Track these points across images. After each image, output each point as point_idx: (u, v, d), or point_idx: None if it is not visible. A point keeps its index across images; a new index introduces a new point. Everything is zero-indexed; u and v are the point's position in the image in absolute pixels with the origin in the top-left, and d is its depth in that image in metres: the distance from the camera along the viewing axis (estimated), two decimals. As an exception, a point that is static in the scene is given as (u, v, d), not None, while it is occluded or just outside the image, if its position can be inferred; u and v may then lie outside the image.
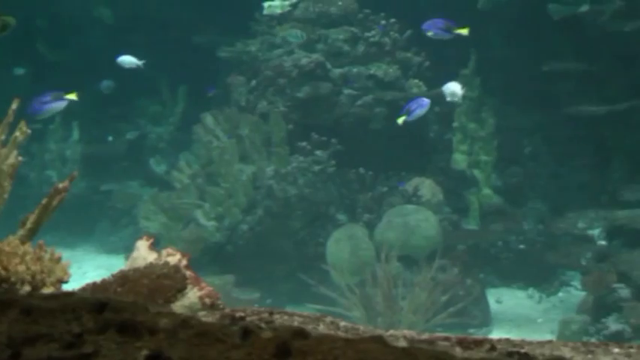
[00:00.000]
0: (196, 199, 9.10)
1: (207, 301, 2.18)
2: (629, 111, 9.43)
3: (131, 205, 11.02)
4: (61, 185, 2.53)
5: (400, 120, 8.14)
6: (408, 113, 8.08)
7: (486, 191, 9.54)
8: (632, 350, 2.07)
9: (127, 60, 9.41)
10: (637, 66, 9.26)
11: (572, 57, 9.97)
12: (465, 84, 9.48)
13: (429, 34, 8.27)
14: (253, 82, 9.93)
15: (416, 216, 8.49)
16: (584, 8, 9.68)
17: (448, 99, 8.10)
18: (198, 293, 2.20)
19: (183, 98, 12.19)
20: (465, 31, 8.04)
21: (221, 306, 2.16)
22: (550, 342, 2.02)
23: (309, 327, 1.92)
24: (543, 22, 9.84)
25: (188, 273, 2.31)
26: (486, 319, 8.28)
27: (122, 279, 2.32)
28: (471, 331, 7.90)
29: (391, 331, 2.03)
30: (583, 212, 9.50)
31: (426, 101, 8.04)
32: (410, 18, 9.61)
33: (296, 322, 1.99)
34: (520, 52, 10.04)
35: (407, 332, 2.03)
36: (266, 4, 9.35)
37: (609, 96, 9.54)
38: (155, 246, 2.54)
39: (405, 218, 8.45)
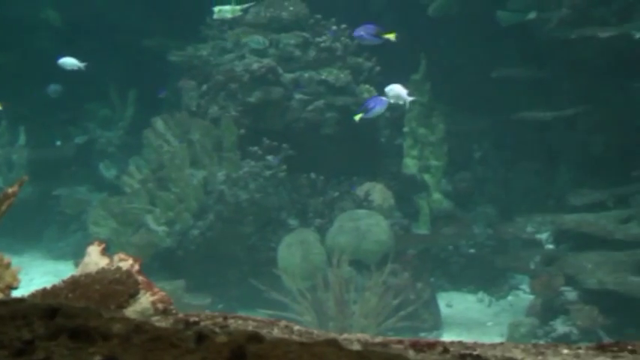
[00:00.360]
0: (147, 204, 9.02)
1: (160, 306, 2.17)
2: (575, 117, 9.58)
3: (80, 210, 10.89)
4: (10, 190, 2.49)
5: (357, 117, 8.17)
6: (366, 111, 8.11)
7: (436, 196, 9.61)
8: (580, 351, 2.10)
9: (69, 62, 9.31)
10: (583, 72, 9.41)
11: (520, 63, 10.11)
12: (415, 89, 9.55)
13: (359, 39, 8.36)
14: (204, 87, 9.89)
15: (367, 220, 8.52)
16: (532, 16, 9.82)
17: (392, 101, 8.10)
18: (151, 298, 2.19)
19: (133, 102, 12.08)
20: (392, 36, 8.09)
21: (174, 311, 2.15)
22: (502, 344, 2.04)
23: (264, 331, 1.92)
24: (492, 28, 9.97)
25: (140, 278, 2.30)
26: (437, 323, 8.34)
27: (73, 285, 2.29)
28: (422, 334, 7.95)
29: (345, 335, 2.03)
30: (531, 217, 9.63)
31: (385, 100, 8.07)
32: (361, 24, 9.65)
33: (250, 327, 1.98)
34: (470, 58, 10.15)
35: (360, 336, 2.04)
36: (216, 9, 9.31)
37: (556, 102, 9.69)
38: (106, 251, 2.52)
39: (357, 223, 8.47)
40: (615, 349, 2.04)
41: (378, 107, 8.08)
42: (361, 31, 8.26)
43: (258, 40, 9.58)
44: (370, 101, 8.22)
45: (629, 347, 2.02)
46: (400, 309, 7.64)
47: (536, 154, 10.12)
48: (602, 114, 9.44)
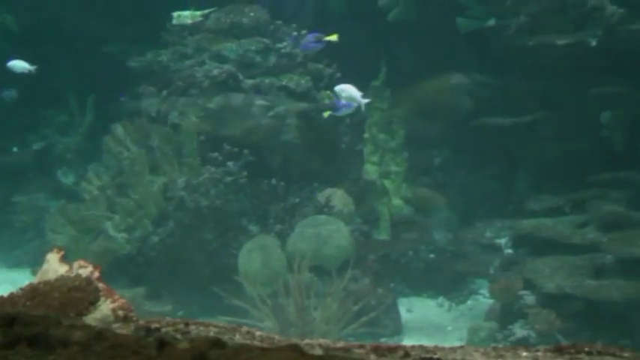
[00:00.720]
0: (106, 210, 8.95)
1: (121, 313, 2.15)
2: (533, 123, 9.70)
3: (37, 217, 10.77)
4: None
5: (326, 114, 8.18)
6: (335, 109, 8.12)
7: (397, 202, 9.65)
8: (538, 353, 2.12)
9: (19, 65, 9.21)
10: (540, 79, 9.53)
11: (479, 70, 10.20)
12: (375, 95, 9.60)
13: (304, 51, 8.39)
14: (164, 93, 9.84)
15: (328, 226, 8.53)
16: (491, 23, 9.92)
17: (343, 102, 8.09)
18: (111, 305, 2.17)
19: (91, 108, 11.97)
20: (333, 37, 8.12)
21: (134, 318, 2.14)
22: (462, 348, 2.06)
23: (226, 337, 1.91)
24: (452, 35, 10.04)
25: (100, 285, 2.28)
26: (398, 328, 8.37)
27: (32, 292, 2.27)
28: (383, 340, 7.97)
29: (306, 340, 2.04)
30: (490, 222, 9.71)
31: (367, 100, 8.09)
32: (321, 30, 9.68)
33: (212, 333, 1.98)
34: (429, 64, 10.21)
35: (322, 341, 2.05)
36: (175, 14, 9.26)
37: (514, 108, 9.79)
38: (65, 259, 2.50)
39: (317, 229, 8.48)
40: (572, 351, 2.07)
41: (346, 107, 8.08)
42: (304, 44, 8.31)
43: (231, 47, 9.55)
44: (339, 100, 8.23)
45: (586, 349, 2.05)
46: (361, 314, 7.65)
47: (495, 159, 10.21)
48: (559, 120, 9.56)
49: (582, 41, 9.10)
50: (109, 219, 8.89)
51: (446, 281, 9.26)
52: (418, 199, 8.75)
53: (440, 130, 10.29)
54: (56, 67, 9.48)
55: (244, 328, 2.08)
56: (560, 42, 9.19)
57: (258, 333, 2.06)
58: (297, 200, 9.13)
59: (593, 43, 9.05)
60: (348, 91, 8.09)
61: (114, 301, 2.19)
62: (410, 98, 10.10)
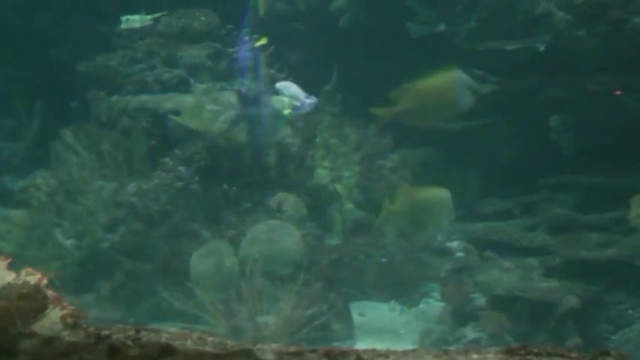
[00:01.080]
0: (55, 217, 8.84)
1: (70, 320, 2.12)
2: (483, 127, 9.79)
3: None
4: None
5: (286, 112, 8.16)
6: (295, 108, 8.11)
7: (349, 206, 9.68)
8: (489, 355, 2.14)
9: None
10: (490, 84, 9.61)
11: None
12: (326, 100, 9.62)
13: (239, 60, 8.40)
14: (114, 97, 9.75)
15: (280, 231, 8.52)
16: (441, 28, 10.00)
17: (285, 100, 8.07)
18: (60, 313, 2.14)
19: (39, 113, 11.80)
20: (262, 41, 8.13)
21: (84, 325, 2.11)
22: (414, 351, 2.07)
23: (177, 343, 1.90)
24: (404, 40, 10.10)
25: (49, 293, 2.25)
26: (350, 332, 8.38)
27: (-22, 300, 2.23)
28: (336, 344, 7.98)
29: (259, 345, 2.03)
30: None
31: (314, 100, 8.08)
32: (273, 34, 9.67)
33: (163, 339, 1.96)
34: (380, 69, 10.25)
35: (274, 346, 2.04)
36: (124, 19, 9.19)
37: (465, 112, 9.86)
38: (12, 266, 2.46)
39: (269, 234, 8.46)
40: (522, 352, 2.09)
41: (306, 106, 8.08)
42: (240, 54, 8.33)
43: (194, 54, 9.50)
44: (301, 102, 8.22)
45: (535, 351, 2.07)
46: (313, 319, 7.66)
47: (445, 163, 10.28)
48: (509, 124, 9.68)
49: (531, 46, 9.23)
50: (58, 225, 8.79)
51: (398, 285, 9.30)
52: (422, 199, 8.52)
53: (391, 134, 10.31)
54: (2, 71, 9.34)
55: (196, 334, 2.06)
56: (510, 47, 9.30)
57: (210, 339, 2.05)
58: (249, 205, 9.10)
59: (542, 48, 9.18)
60: (290, 88, 8.08)
61: (63, 309, 2.16)
62: (362, 103, 10.10)
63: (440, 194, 7.70)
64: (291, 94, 8.05)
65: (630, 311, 7.98)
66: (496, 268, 8.37)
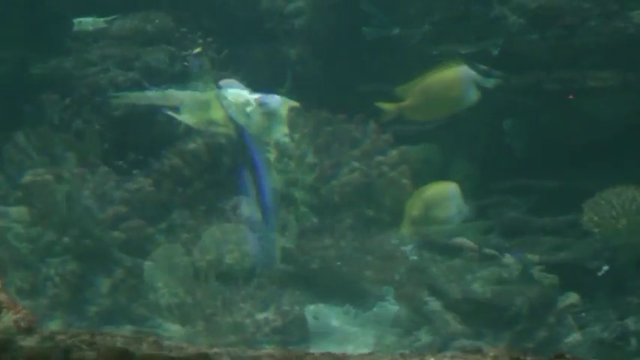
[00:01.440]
0: (8, 221, 8.74)
1: (24, 324, 2.10)
2: (438, 130, 9.85)
3: None
4: None
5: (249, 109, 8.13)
6: (263, 105, 8.09)
7: (303, 209, 9.68)
8: (445, 359, 2.16)
9: None
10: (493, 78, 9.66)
11: (384, 78, 10.30)
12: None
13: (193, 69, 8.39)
14: (68, 100, 9.67)
15: (235, 235, 8.51)
16: (396, 31, 10.05)
17: (230, 97, 8.03)
18: (14, 317, 2.12)
19: (-9, 116, 11.65)
20: (198, 49, 8.14)
21: (38, 329, 2.09)
22: (371, 354, 2.08)
23: (133, 347, 1.89)
24: (357, 43, 10.13)
25: (2, 296, 2.23)
26: (305, 336, 8.39)
27: None
28: (290, 347, 7.98)
29: (215, 349, 2.03)
30: (397, 229, 9.81)
31: (279, 99, 8.07)
32: (227, 37, 9.66)
33: (119, 343, 1.95)
34: (335, 71, 10.28)
35: (231, 349, 2.04)
36: (76, 21, 9.12)
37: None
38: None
39: (224, 237, 8.45)
40: (478, 355, 2.11)
41: (270, 105, 8.06)
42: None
43: (158, 58, 9.44)
44: (264, 98, 8.20)
45: (492, 354, 2.10)
46: (267, 322, 7.65)
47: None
48: (463, 128, 9.75)
49: (484, 50, 9.32)
50: (10, 229, 8.68)
51: (352, 288, 9.31)
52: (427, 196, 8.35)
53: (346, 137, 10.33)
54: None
55: (151, 338, 2.05)
56: (463, 51, 9.38)
57: (166, 342, 2.04)
58: (204, 208, 9.07)
59: (495, 52, 9.27)
60: (233, 85, 8.06)
61: (17, 312, 2.14)
62: (316, 106, 10.12)
63: (447, 189, 7.63)
64: (234, 92, 8.02)
65: (584, 314, 8.09)
66: (451, 271, 8.42)
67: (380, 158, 9.18)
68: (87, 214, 8.62)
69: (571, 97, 9.12)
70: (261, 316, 7.63)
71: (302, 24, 10.57)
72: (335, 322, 8.98)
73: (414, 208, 7.61)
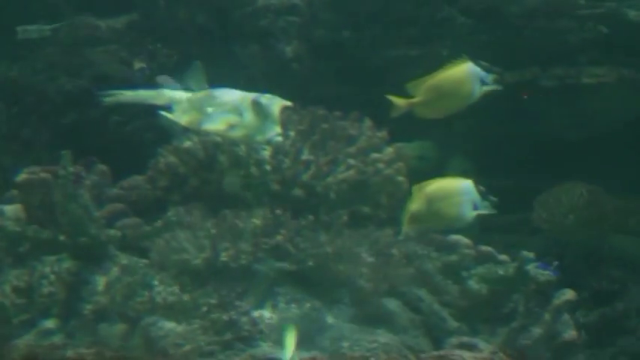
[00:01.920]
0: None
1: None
2: (391, 133, 9.91)
3: None
4: None
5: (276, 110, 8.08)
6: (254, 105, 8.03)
7: (298, 206, 9.61)
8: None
9: None
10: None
11: (336, 81, 10.34)
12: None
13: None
14: (15, 109, 9.57)
15: (192, 241, 8.48)
16: (346, 34, 10.08)
17: (168, 95, 7.97)
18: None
19: None
20: (141, 65, 8.13)
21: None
22: (369, 352, 2.09)
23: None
24: (310, 46, 10.15)
25: None
26: (300, 334, 8.30)
27: None
28: (249, 350, 7.94)
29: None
30: (394, 226, 9.82)
31: (272, 98, 8.01)
32: (177, 43, 9.64)
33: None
34: (288, 76, 10.30)
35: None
36: (20, 29, 9.04)
37: (375, 119, 9.97)
38: None
39: (181, 244, 8.41)
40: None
41: (267, 101, 7.99)
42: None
43: (108, 64, 9.38)
44: (258, 97, 8.13)
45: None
46: (230, 325, 7.67)
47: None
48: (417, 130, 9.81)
49: (434, 52, 9.40)
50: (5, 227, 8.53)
51: (348, 285, 9.27)
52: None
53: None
54: None
55: (92, 349, 2.03)
56: (413, 53, 9.45)
57: (108, 353, 2.02)
58: (160, 217, 9.01)
59: (444, 53, 9.36)
60: (168, 83, 8.05)
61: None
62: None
63: (459, 184, 7.53)
64: (169, 87, 7.97)
65: (536, 309, 8.17)
66: (407, 271, 8.47)
67: (376, 155, 9.16)
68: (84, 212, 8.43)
69: (525, 96, 9.24)
70: (221, 318, 7.64)
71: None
72: (330, 320, 8.91)
73: (417, 203, 7.48)
